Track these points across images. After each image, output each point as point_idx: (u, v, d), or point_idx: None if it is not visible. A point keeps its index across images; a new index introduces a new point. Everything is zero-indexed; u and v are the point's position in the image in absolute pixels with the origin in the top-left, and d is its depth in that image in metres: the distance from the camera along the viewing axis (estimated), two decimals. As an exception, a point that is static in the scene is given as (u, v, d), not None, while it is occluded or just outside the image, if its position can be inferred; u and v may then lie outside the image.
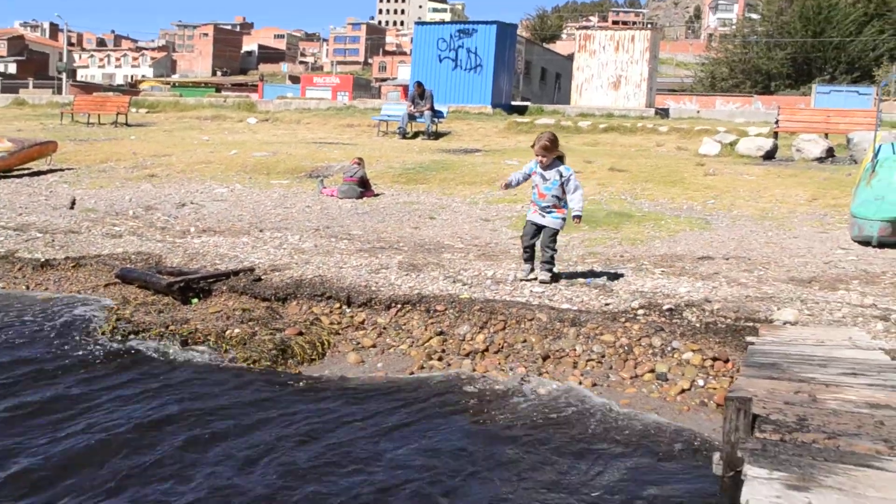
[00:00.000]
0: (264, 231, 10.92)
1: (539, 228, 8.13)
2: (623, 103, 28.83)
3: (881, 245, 9.92)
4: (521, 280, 8.17)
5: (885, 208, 9.98)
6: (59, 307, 8.10)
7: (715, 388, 6.28)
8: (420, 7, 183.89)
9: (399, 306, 7.75)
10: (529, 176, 8.20)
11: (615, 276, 8.48)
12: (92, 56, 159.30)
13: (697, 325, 7.09)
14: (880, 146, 11.44)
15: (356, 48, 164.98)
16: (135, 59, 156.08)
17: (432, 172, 15.77)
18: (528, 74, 39.09)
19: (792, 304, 7.46)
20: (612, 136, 22.73)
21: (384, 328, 7.54)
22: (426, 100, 23.01)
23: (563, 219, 8.16)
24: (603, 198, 13.48)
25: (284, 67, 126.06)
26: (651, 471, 5.08)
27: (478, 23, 28.97)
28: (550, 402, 6.18)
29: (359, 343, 7.35)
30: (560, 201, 8.09)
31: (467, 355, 7.04)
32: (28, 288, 8.99)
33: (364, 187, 13.84)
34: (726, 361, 6.56)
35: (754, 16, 65.66)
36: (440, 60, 28.85)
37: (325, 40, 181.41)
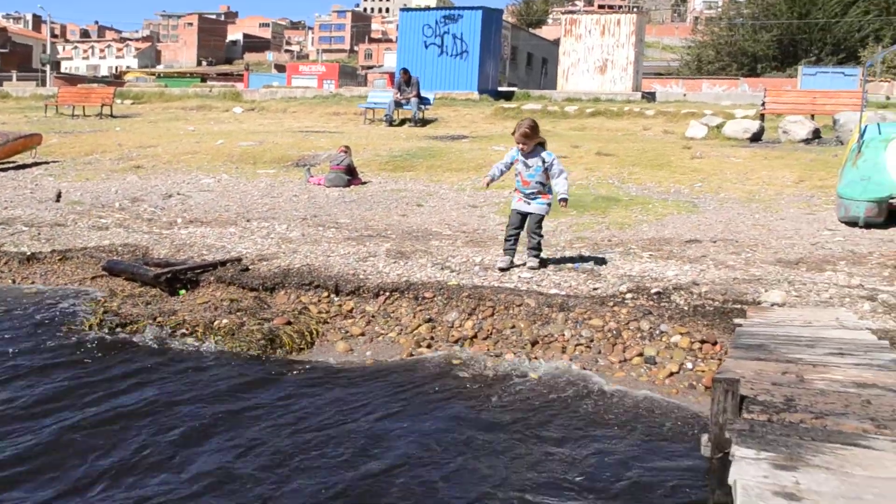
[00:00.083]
0: (251, 221, 10.89)
1: (524, 216, 8.11)
2: (609, 87, 28.82)
3: (868, 225, 9.96)
4: (501, 270, 8.12)
5: (871, 189, 10.01)
6: (45, 300, 8.06)
7: (703, 371, 6.30)
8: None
9: (387, 294, 7.75)
10: (511, 164, 8.17)
11: (603, 261, 8.49)
12: (76, 47, 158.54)
13: (685, 308, 7.10)
14: (866, 127, 11.47)
15: (342, 36, 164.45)
16: (119, 50, 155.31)
17: (419, 159, 15.74)
18: (515, 60, 39.03)
19: (779, 286, 7.48)
20: (599, 121, 22.74)
21: (373, 316, 7.53)
22: (412, 87, 22.96)
23: (549, 204, 8.15)
24: (590, 182, 13.49)
25: (270, 56, 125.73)
26: (645, 449, 5.09)
27: (463, 8, 28.86)
28: (547, 382, 6.19)
29: (347, 332, 7.34)
30: (544, 187, 8.08)
31: (456, 342, 7.04)
32: (14, 282, 8.94)
33: (351, 175, 13.81)
34: (714, 344, 6.58)
35: (740, -2, 65.65)
36: (426, 47, 28.77)
37: (310, 28, 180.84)
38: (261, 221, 10.83)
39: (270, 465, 4.87)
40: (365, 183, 13.94)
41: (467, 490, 4.55)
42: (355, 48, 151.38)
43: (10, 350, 6.70)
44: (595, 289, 7.61)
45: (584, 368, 6.52)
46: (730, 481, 3.20)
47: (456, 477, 4.72)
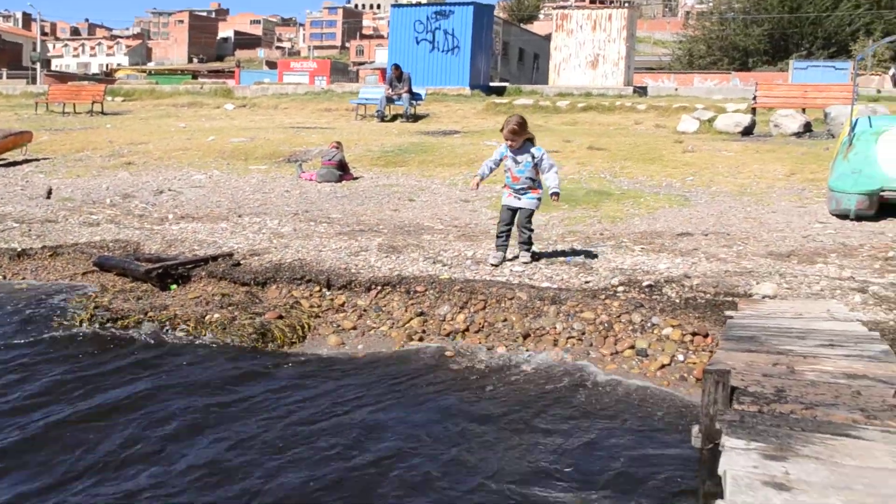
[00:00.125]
0: (243, 216, 10.87)
1: (515, 212, 8.10)
2: (601, 82, 28.80)
3: (859, 218, 9.98)
4: (493, 266, 8.11)
5: (862, 181, 10.03)
6: (36, 296, 8.04)
7: (695, 363, 6.30)
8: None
9: (379, 288, 7.74)
10: (500, 161, 8.16)
11: (595, 254, 8.49)
12: (66, 45, 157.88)
13: (677, 300, 7.11)
14: (857, 120, 11.50)
15: (333, 32, 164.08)
16: (110, 47, 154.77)
17: (411, 155, 15.73)
18: (506, 55, 38.97)
19: (770, 278, 7.50)
20: (591, 115, 22.74)
21: (364, 310, 7.52)
22: (404, 82, 22.94)
23: (539, 199, 8.14)
24: (582, 176, 13.49)
25: (261, 53, 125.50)
26: (636, 439, 5.10)
27: (454, 4, 28.81)
28: (539, 374, 6.20)
29: (339, 325, 7.34)
30: (534, 182, 8.07)
31: (448, 335, 7.04)
32: (5, 278, 8.92)
33: (343, 171, 13.79)
34: (706, 336, 6.59)
35: (731, -7, 65.68)
36: (417, 43, 28.73)
37: (301, 25, 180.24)
38: (252, 217, 10.81)
39: (261, 457, 4.87)
40: (356, 178, 13.92)
41: (459, 481, 4.55)
42: (347, 45, 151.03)
43: (1, 345, 6.68)
44: (587, 282, 7.61)
45: (577, 360, 6.53)
46: (719, 471, 3.21)
47: (448, 468, 4.72)
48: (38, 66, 58.57)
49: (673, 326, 6.72)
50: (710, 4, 72.18)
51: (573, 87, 28.27)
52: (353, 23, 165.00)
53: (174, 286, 8.15)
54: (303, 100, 28.05)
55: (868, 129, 10.93)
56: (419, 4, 33.88)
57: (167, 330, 7.12)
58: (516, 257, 8.21)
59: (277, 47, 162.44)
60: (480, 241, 9.11)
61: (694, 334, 6.61)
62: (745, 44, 54.80)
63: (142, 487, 4.49)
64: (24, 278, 8.88)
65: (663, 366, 6.35)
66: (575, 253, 8.55)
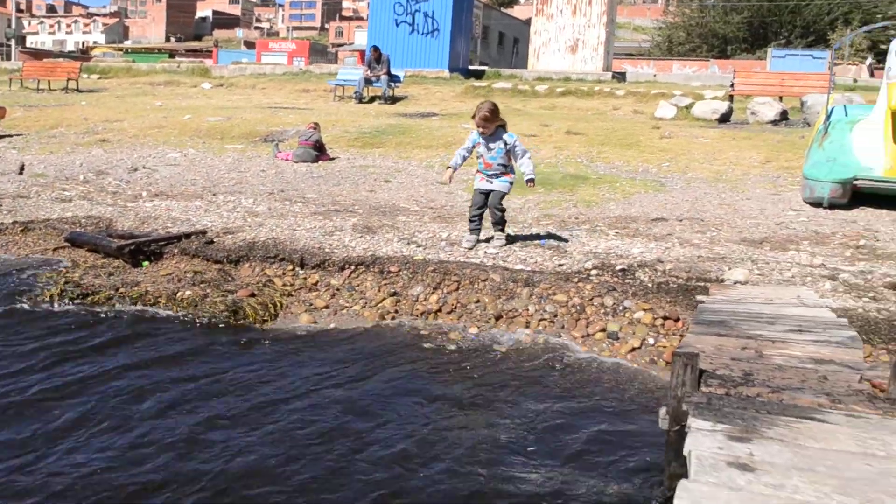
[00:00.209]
0: (218, 195, 10.80)
1: (488, 195, 8.10)
2: (580, 67, 28.81)
3: (832, 206, 10.05)
4: (467, 249, 8.10)
5: (836, 170, 10.09)
6: (5, 271, 7.95)
7: (665, 347, 6.33)
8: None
9: (353, 268, 7.72)
10: (473, 148, 8.15)
11: (569, 238, 8.51)
12: (42, 22, 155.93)
13: (649, 284, 7.14)
14: (833, 109, 11.56)
15: (312, 13, 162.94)
16: (86, 25, 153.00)
17: (388, 136, 15.69)
18: (486, 39, 38.94)
19: (743, 265, 7.54)
20: (569, 100, 22.75)
21: (337, 289, 7.51)
22: (382, 64, 22.85)
23: (511, 182, 8.15)
24: (559, 160, 13.50)
25: (239, 33, 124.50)
26: (607, 417, 5.12)
27: (435, -13, 28.73)
28: (511, 353, 6.21)
29: (312, 304, 7.32)
30: (507, 168, 8.08)
31: (421, 316, 7.04)
32: (-26, 253, 8.82)
33: (319, 151, 13.73)
34: (677, 320, 6.62)
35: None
36: (397, 25, 28.60)
37: (280, 5, 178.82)
38: (227, 195, 10.75)
39: (231, 431, 4.85)
40: (333, 159, 13.87)
41: (431, 459, 4.55)
42: (326, 26, 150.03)
43: (-32, 320, 6.62)
44: (560, 265, 7.63)
45: (549, 341, 6.54)
46: (685, 452, 3.23)
47: (420, 446, 4.71)
48: (12, 42, 57.88)
49: (645, 310, 6.75)
50: (691, -8, 72.29)
51: (552, 71, 28.26)
52: (332, 4, 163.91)
53: (146, 263, 8.10)
54: (281, 80, 27.90)
55: (843, 118, 10.99)
56: (399, -14, 33.70)
57: (138, 306, 7.07)
58: (490, 239, 8.21)
59: (256, 28, 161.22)
60: (455, 223, 9.11)
61: (665, 318, 6.64)
62: (724, 31, 54.99)
63: (107, 460, 4.46)
64: (-7, 253, 8.78)
65: (634, 349, 6.38)
66: (549, 236, 8.56)
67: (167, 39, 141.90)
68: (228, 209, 9.89)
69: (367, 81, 22.96)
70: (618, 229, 8.97)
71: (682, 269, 7.43)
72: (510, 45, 42.90)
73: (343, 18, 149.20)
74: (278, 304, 7.23)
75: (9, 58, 47.87)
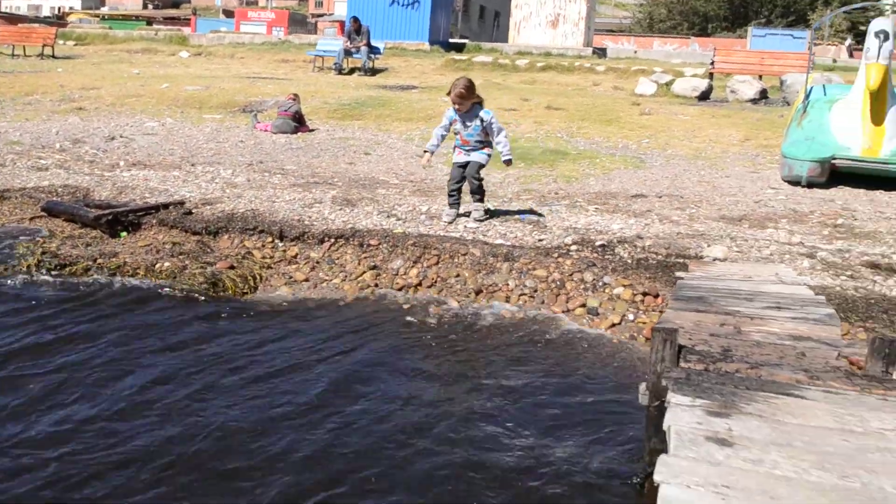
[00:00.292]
0: (196, 165, 10.72)
1: (465, 167, 8.08)
2: (561, 42, 28.75)
3: (810, 185, 10.11)
4: (447, 223, 8.08)
5: (814, 149, 10.15)
6: (-19, 240, 7.88)
7: (644, 322, 6.36)
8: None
9: (332, 241, 7.69)
10: (450, 125, 8.11)
11: (549, 213, 8.51)
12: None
13: (629, 260, 7.16)
14: (812, 88, 11.61)
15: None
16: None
17: (368, 108, 15.62)
18: (467, 12, 38.75)
19: (722, 242, 7.58)
20: (550, 75, 22.72)
21: (317, 262, 7.48)
22: (363, 35, 22.72)
23: (489, 155, 8.15)
24: (539, 135, 13.49)
25: (218, 1, 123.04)
26: (589, 389, 5.15)
27: (416, -42, 28.51)
28: (496, 325, 6.22)
29: (291, 277, 7.29)
30: (485, 143, 8.07)
31: (401, 289, 7.03)
32: (-51, 221, 8.72)
33: (299, 122, 13.65)
34: (656, 296, 6.64)
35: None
36: (377, -5, 28.41)
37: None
38: (205, 166, 10.67)
39: (207, 402, 4.85)
40: (312, 130, 13.79)
41: (410, 432, 4.56)
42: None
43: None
44: (540, 240, 7.64)
45: (529, 314, 6.56)
46: (664, 426, 3.25)
47: (400, 417, 4.73)
48: (-14, 6, 56.97)
49: (624, 286, 6.77)
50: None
51: (533, 46, 28.18)
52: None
53: (124, 233, 8.04)
54: (260, 50, 27.67)
55: (822, 98, 11.04)
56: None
57: (116, 277, 7.02)
58: (470, 213, 8.19)
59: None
60: (435, 197, 9.09)
61: (645, 294, 6.67)
62: (705, 9, 55.04)
63: (81, 432, 4.45)
64: (-32, 221, 8.68)
65: (614, 325, 6.41)
66: (529, 211, 8.57)
67: (144, 6, 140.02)
68: (207, 180, 9.82)
69: (347, 53, 22.82)
70: (597, 205, 8.98)
71: (662, 245, 7.46)
72: (491, 19, 42.71)
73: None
74: (258, 277, 7.19)
75: (-18, 23, 47.12)
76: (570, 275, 6.97)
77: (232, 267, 7.19)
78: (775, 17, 51.74)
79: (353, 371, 5.43)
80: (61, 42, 28.62)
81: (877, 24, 10.02)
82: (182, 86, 17.97)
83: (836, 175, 10.19)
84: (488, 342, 6.04)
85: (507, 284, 6.95)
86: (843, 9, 19.47)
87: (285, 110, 13.59)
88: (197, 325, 6.15)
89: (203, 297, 6.72)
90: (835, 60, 28.35)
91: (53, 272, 7.01)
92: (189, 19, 60.97)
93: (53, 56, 25.73)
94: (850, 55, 35.47)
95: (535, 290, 6.86)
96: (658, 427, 3.55)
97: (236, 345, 5.80)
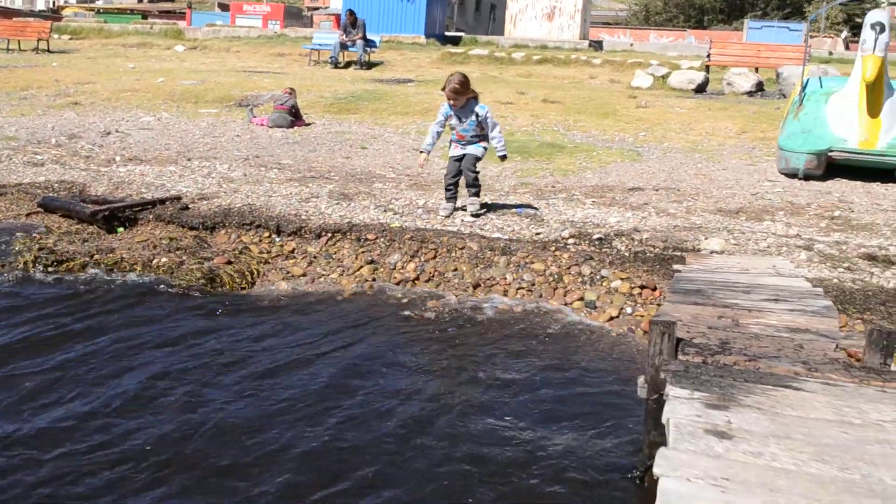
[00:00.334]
0: (192, 160, 10.70)
1: (462, 160, 8.06)
2: (557, 35, 28.72)
3: (807, 177, 10.11)
4: (444, 217, 8.07)
5: (811, 141, 10.15)
6: (-23, 236, 7.86)
7: (642, 316, 6.36)
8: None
9: (329, 235, 7.69)
10: (445, 122, 8.08)
11: (546, 206, 8.51)
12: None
13: (626, 254, 7.16)
14: (808, 80, 11.60)
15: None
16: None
17: (364, 102, 15.59)
18: (463, 5, 38.68)
19: (719, 234, 7.58)
20: (546, 68, 22.70)
21: (314, 257, 7.48)
22: (358, 29, 22.66)
23: (485, 148, 8.13)
24: (536, 129, 13.48)
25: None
26: (589, 382, 5.15)
27: (411, -49, 28.44)
28: (492, 319, 6.22)
29: (289, 272, 7.28)
30: (481, 137, 8.05)
31: (398, 284, 7.03)
32: (-55, 216, 8.70)
33: (295, 117, 13.62)
34: (654, 289, 6.65)
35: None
36: (373, -11, 28.34)
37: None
38: (202, 161, 10.64)
39: (197, 390, 4.86)
40: (309, 125, 13.77)
41: (409, 426, 4.56)
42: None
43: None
44: (538, 233, 7.64)
45: (526, 309, 6.56)
46: (663, 419, 3.25)
47: (400, 411, 4.73)
48: (-20, 0, 56.82)
49: (622, 279, 6.78)
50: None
51: (529, 38, 28.15)
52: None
53: (121, 229, 8.02)
54: (255, 43, 27.61)
55: (818, 90, 11.03)
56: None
57: (114, 273, 7.01)
58: (465, 207, 8.17)
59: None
60: (432, 191, 9.08)
61: (642, 287, 6.67)
62: (700, 2, 54.97)
63: (73, 420, 4.47)
64: (-36, 217, 8.66)
65: (612, 318, 6.41)
66: (526, 205, 8.56)
67: (140, 0, 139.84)
68: (203, 175, 9.81)
69: (343, 46, 22.77)
70: (594, 198, 8.98)
71: (659, 238, 7.46)
72: (487, 12, 42.65)
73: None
74: (255, 272, 7.19)
75: (-23, 18, 46.93)
76: (568, 268, 6.97)
77: (229, 262, 7.19)
78: (771, 9, 51.71)
79: (351, 366, 5.43)
80: (56, 36, 28.54)
81: (873, 16, 10.01)
82: (178, 80, 17.93)
83: (833, 167, 10.20)
84: (486, 336, 6.04)
85: (505, 278, 6.95)
86: (839, 1, 19.48)
87: (281, 104, 13.57)
88: (194, 321, 6.14)
89: (200, 293, 6.71)
90: (831, 53, 28.33)
91: (50, 268, 7.01)
92: (184, 13, 60.79)
93: (48, 50, 25.66)
94: (847, 47, 35.43)
95: (533, 284, 6.86)
96: (657, 420, 3.56)
97: (234, 340, 5.80)
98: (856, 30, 38.05)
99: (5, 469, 4.04)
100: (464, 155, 8.03)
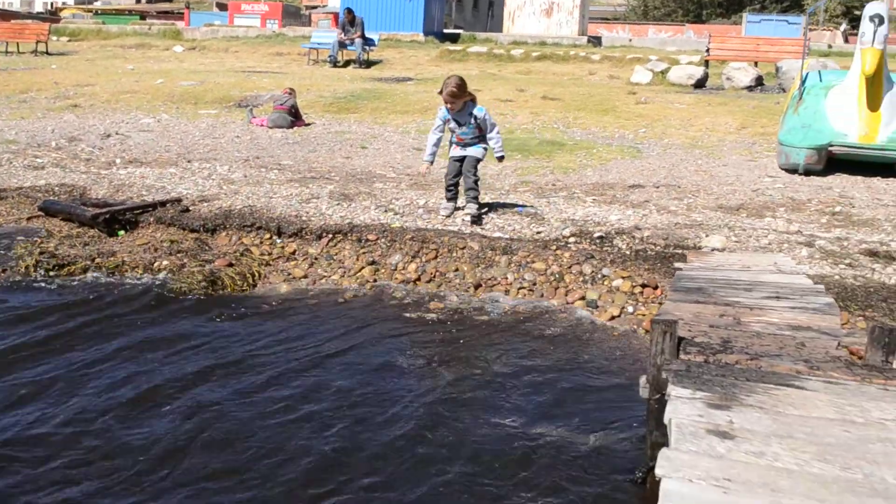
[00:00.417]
0: (192, 162, 10.70)
1: (462, 162, 8.05)
2: (556, 31, 28.70)
3: (807, 172, 10.10)
4: (444, 217, 8.06)
5: (811, 136, 10.14)
6: (-22, 241, 7.87)
7: (644, 315, 6.36)
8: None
9: (330, 236, 7.69)
10: (444, 126, 8.05)
11: (547, 205, 8.51)
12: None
13: (627, 252, 7.16)
14: (808, 74, 11.58)
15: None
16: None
17: (364, 101, 15.59)
18: (461, 2, 38.65)
19: (720, 231, 7.58)
20: (545, 65, 22.67)
21: (315, 259, 7.48)
22: (357, 27, 22.62)
23: (485, 148, 8.11)
24: (535, 126, 13.47)
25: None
26: (593, 381, 5.16)
27: (409, -52, 28.39)
28: (496, 318, 6.23)
29: (290, 274, 7.29)
30: (481, 138, 8.02)
31: (400, 284, 7.03)
32: (-54, 221, 8.71)
33: (295, 117, 13.62)
34: (655, 288, 6.65)
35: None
36: (371, -13, 28.31)
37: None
38: (202, 162, 10.65)
39: (198, 393, 4.87)
40: (308, 125, 13.77)
41: (412, 424, 4.57)
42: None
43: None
44: (538, 232, 7.64)
45: (528, 309, 6.56)
46: (665, 420, 3.25)
47: (399, 408, 4.74)
48: (-21, 3, 56.78)
49: (623, 278, 6.78)
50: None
51: (528, 35, 28.13)
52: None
53: (122, 232, 8.03)
54: (254, 43, 27.59)
55: (818, 84, 11.02)
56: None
57: (115, 276, 7.01)
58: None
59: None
60: (433, 190, 9.08)
61: (644, 286, 6.67)
62: (699, -5, 54.89)
63: (74, 422, 4.49)
64: (-35, 222, 8.67)
65: (613, 317, 6.41)
66: (527, 204, 8.56)
67: (138, 1, 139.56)
68: (203, 176, 9.81)
69: (342, 45, 22.74)
70: (595, 196, 8.98)
71: (660, 236, 7.46)
72: (485, 9, 42.60)
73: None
74: (256, 274, 7.19)
75: (-25, 20, 46.89)
76: (569, 267, 6.98)
77: (230, 264, 7.19)
78: (769, 2, 51.65)
79: (353, 367, 5.43)
80: (55, 38, 28.52)
81: (871, 9, 9.98)
82: (177, 81, 17.93)
83: (834, 162, 10.19)
84: (488, 337, 6.04)
85: (506, 278, 6.95)
86: (838, -6, 19.45)
87: (281, 104, 13.57)
88: (196, 324, 6.15)
89: (202, 296, 6.71)
90: (830, 46, 28.30)
91: (52, 272, 7.01)
92: (182, 13, 60.73)
93: (47, 52, 25.64)
94: (846, 40, 35.40)
95: (534, 284, 6.87)
96: (659, 420, 3.55)
97: (235, 343, 5.81)
98: (855, 22, 38.02)
99: (5, 470, 4.05)
100: (464, 156, 8.01)
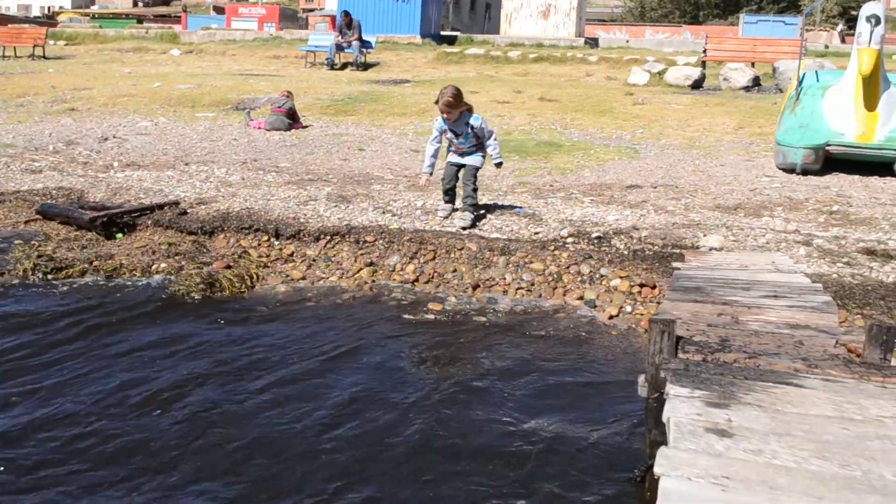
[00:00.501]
0: (190, 164, 10.70)
1: (460, 168, 8.05)
2: (553, 33, 28.71)
3: (805, 172, 10.11)
4: (442, 218, 8.04)
5: (808, 136, 10.15)
6: (-24, 245, 7.86)
7: (642, 314, 6.37)
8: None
9: (328, 238, 7.69)
10: (441, 135, 8.03)
11: (545, 205, 8.51)
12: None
13: (625, 252, 7.17)
14: (804, 74, 11.59)
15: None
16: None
17: (361, 104, 15.60)
18: (458, 4, 38.67)
19: (717, 231, 7.58)
20: (542, 66, 22.69)
21: (313, 260, 7.48)
22: (354, 30, 22.63)
23: (483, 157, 8.10)
24: (533, 128, 13.48)
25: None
26: (590, 382, 5.16)
27: (406, -49, 28.42)
28: (492, 320, 6.23)
29: (288, 276, 7.28)
30: (479, 146, 8.01)
31: (398, 285, 7.03)
32: (-56, 225, 8.70)
33: (292, 119, 13.63)
34: (653, 288, 6.65)
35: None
36: (368, -11, 28.31)
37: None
38: (199, 165, 10.65)
39: (195, 396, 4.87)
40: (306, 127, 13.78)
41: (409, 417, 4.57)
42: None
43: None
44: (536, 233, 7.64)
45: (526, 309, 6.56)
46: (663, 418, 3.25)
47: (398, 409, 4.73)
48: (-24, 7, 56.75)
49: (621, 278, 6.78)
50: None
51: (525, 37, 28.14)
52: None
53: (119, 235, 8.03)
54: (251, 46, 27.61)
55: (815, 84, 11.03)
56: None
57: (113, 279, 7.01)
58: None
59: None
60: (430, 192, 9.08)
61: (642, 286, 6.68)
62: (696, -3, 54.97)
63: (72, 426, 4.48)
64: (-37, 226, 8.66)
65: (612, 316, 6.41)
66: (525, 205, 8.56)
67: (135, 4, 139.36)
68: (201, 179, 9.81)
69: (339, 48, 22.75)
70: (593, 196, 8.98)
71: (658, 235, 7.46)
72: (482, 11, 42.66)
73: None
74: (254, 276, 7.18)
75: (-28, 24, 46.87)
76: (567, 267, 6.98)
77: (228, 267, 7.19)
78: (766, 3, 51.73)
79: (352, 368, 5.43)
80: (52, 42, 28.52)
81: (868, 9, 10.00)
82: (174, 84, 17.93)
83: (831, 162, 10.20)
84: (486, 337, 6.04)
85: (504, 278, 6.96)
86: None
87: (279, 107, 13.58)
88: (194, 326, 6.15)
89: (200, 298, 6.71)
90: (827, 46, 28.33)
91: (49, 275, 7.01)
92: (179, 16, 60.75)
93: (44, 56, 25.65)
94: (842, 41, 35.47)
95: (533, 284, 6.87)
96: (658, 419, 3.55)
97: (233, 345, 5.80)
98: (851, 23, 38.08)
99: (5, 470, 4.04)
100: (462, 164, 8.00)
